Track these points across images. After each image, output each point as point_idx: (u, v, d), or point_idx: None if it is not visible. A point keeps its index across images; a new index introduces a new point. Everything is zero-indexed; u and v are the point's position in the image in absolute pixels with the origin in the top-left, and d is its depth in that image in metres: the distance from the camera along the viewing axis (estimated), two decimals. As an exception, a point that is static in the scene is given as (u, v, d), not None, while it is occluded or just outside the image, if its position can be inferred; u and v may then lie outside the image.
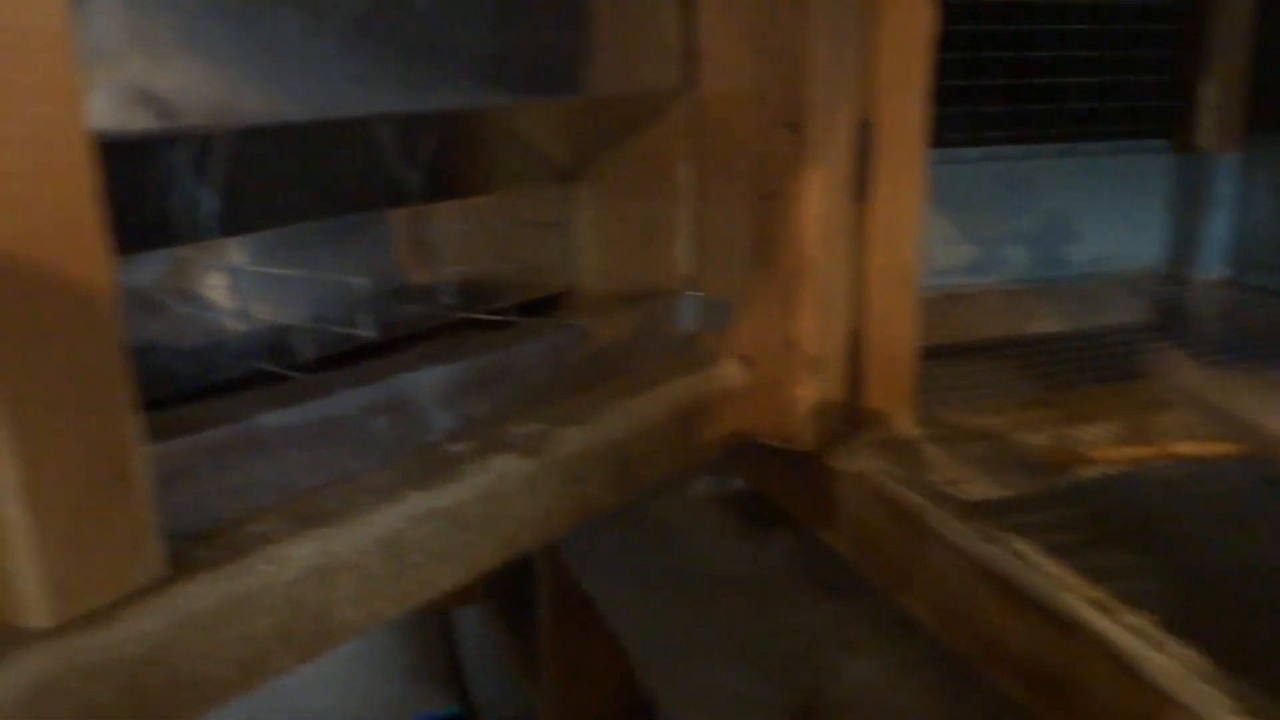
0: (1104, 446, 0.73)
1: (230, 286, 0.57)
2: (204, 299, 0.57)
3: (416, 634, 1.67)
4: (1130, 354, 0.95)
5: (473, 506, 0.52)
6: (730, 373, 0.70)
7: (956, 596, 0.58)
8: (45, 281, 0.36)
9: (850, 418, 0.71)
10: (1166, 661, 0.46)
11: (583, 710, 1.19)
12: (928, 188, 0.69)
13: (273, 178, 0.59)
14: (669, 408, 0.65)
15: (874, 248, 0.68)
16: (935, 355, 0.88)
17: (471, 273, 0.69)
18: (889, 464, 0.66)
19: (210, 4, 0.43)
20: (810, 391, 0.69)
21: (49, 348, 0.36)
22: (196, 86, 0.43)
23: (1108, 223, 1.11)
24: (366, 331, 0.58)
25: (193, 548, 0.43)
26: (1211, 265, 1.13)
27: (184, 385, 0.53)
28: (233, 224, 0.56)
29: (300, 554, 0.44)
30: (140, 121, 0.41)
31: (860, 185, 0.67)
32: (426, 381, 0.54)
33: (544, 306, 0.74)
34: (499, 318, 0.65)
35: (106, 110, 0.39)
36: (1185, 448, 0.72)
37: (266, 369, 0.54)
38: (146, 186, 0.53)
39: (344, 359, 0.58)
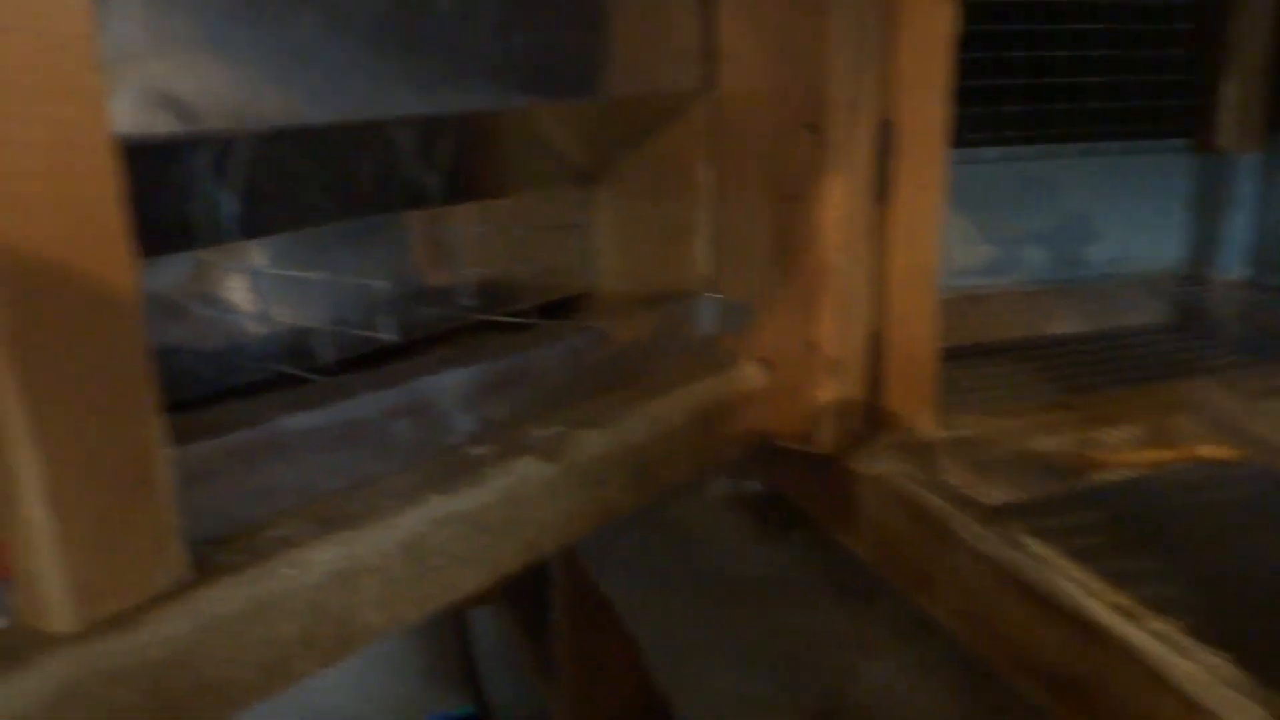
0: (1125, 450, 0.72)
1: (250, 289, 0.57)
2: (225, 301, 0.57)
3: (431, 634, 1.67)
4: (1150, 355, 0.95)
5: (494, 510, 0.52)
6: (750, 375, 0.69)
7: (978, 601, 0.58)
8: (70, 285, 0.36)
9: (870, 420, 0.71)
10: (1193, 668, 0.45)
11: (597, 711, 1.18)
12: (948, 188, 0.68)
13: (292, 180, 0.59)
14: (689, 410, 0.65)
15: (894, 249, 0.68)
16: (954, 357, 0.87)
17: (490, 275, 0.69)
18: (909, 467, 0.66)
19: (231, 7, 0.43)
20: (830, 394, 0.68)
21: (73, 351, 0.36)
22: (218, 89, 0.43)
23: (1127, 223, 1.10)
24: (387, 334, 0.58)
25: (215, 551, 0.43)
26: (1232, 265, 1.12)
27: (205, 387, 0.53)
28: (253, 226, 0.56)
29: (322, 557, 0.44)
30: (162, 125, 0.41)
31: (881, 186, 0.66)
32: (447, 384, 0.54)
33: (562, 308, 0.73)
34: (518, 320, 0.65)
35: (129, 113, 0.39)
36: (1207, 451, 0.71)
37: (287, 371, 0.54)
38: (167, 189, 0.53)
39: (364, 361, 0.58)
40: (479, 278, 0.67)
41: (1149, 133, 1.09)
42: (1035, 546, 0.55)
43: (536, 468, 0.54)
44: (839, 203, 0.65)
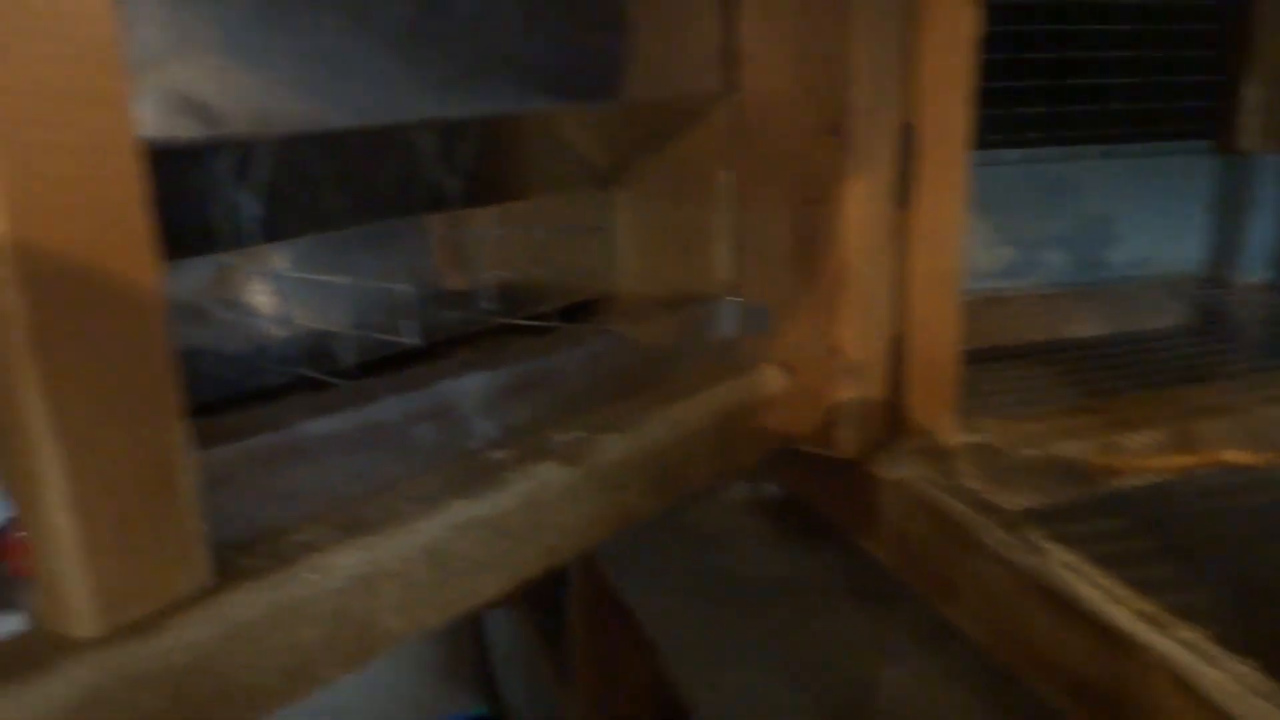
0: (1149, 455, 0.72)
1: (272, 292, 0.57)
2: (246, 305, 0.57)
3: (446, 635, 1.67)
4: (1172, 359, 0.94)
5: (515, 515, 0.51)
6: (771, 379, 0.69)
7: (1002, 608, 0.57)
8: (95, 289, 0.35)
9: (892, 424, 0.70)
10: (1221, 677, 0.45)
11: (612, 714, 1.18)
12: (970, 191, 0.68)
13: (314, 183, 0.59)
14: (709, 414, 0.64)
15: (916, 252, 0.67)
16: (975, 360, 0.87)
17: (510, 278, 0.68)
18: (931, 471, 0.66)
19: (255, 12, 0.42)
20: (851, 398, 0.68)
21: (98, 355, 0.36)
22: (242, 94, 0.43)
23: (1148, 225, 1.10)
24: (410, 338, 0.58)
25: (237, 556, 0.43)
26: (1254, 268, 1.11)
27: (227, 391, 0.53)
28: (274, 230, 0.56)
29: (345, 562, 0.44)
30: (187, 129, 0.41)
31: (903, 189, 0.66)
32: (469, 388, 0.54)
33: (583, 311, 0.73)
34: (539, 323, 0.65)
35: (154, 118, 0.39)
36: (1232, 456, 0.70)
37: (309, 375, 0.54)
38: (190, 193, 0.53)
39: (385, 364, 0.58)
40: (499, 281, 0.66)
41: (1170, 134, 1.09)
42: (1059, 553, 0.55)
43: (557, 472, 0.54)
44: (861, 206, 0.64)
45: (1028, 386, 0.88)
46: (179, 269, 0.53)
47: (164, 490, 0.39)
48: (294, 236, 0.58)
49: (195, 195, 0.53)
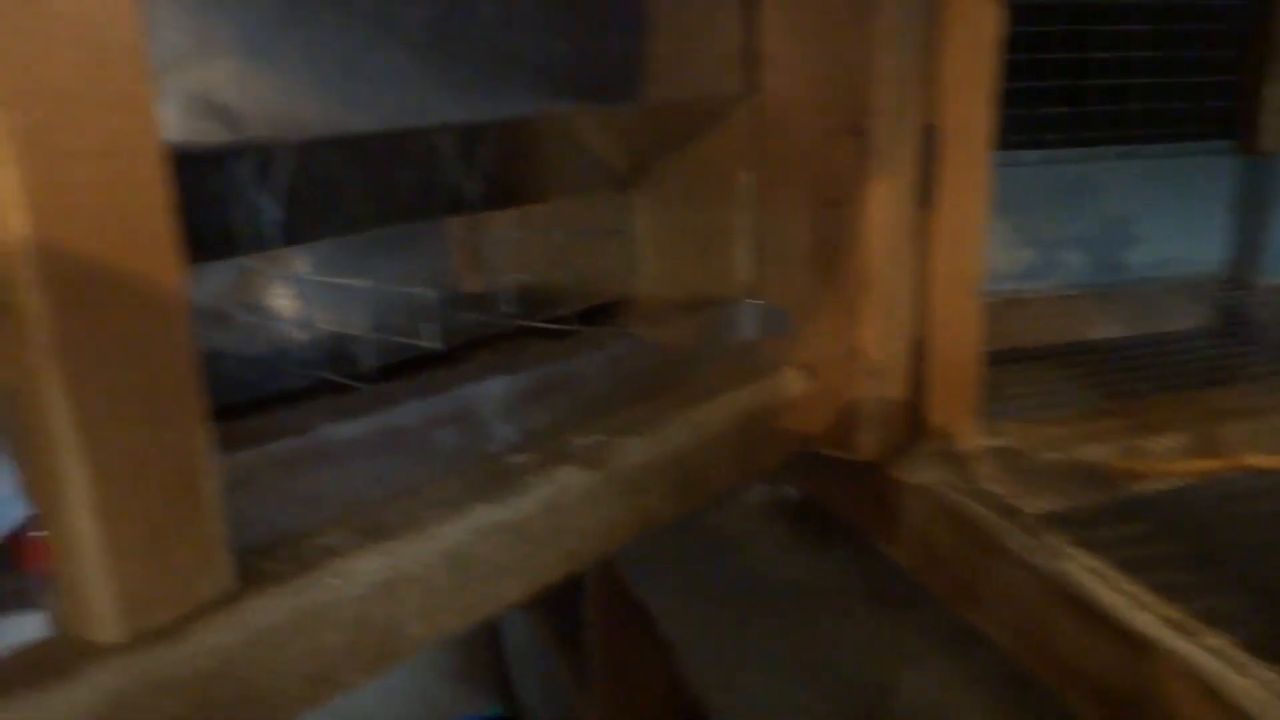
0: (1172, 458, 0.71)
1: (293, 296, 0.57)
2: (268, 308, 0.57)
3: (463, 636, 1.67)
4: (1193, 361, 0.93)
5: (536, 519, 0.51)
6: (791, 381, 0.69)
7: (1026, 613, 0.57)
8: (119, 293, 0.35)
9: (913, 427, 0.70)
10: (1250, 684, 0.44)
11: (630, 716, 1.18)
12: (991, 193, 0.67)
13: (334, 187, 0.59)
14: (730, 417, 0.64)
15: (938, 254, 0.67)
16: (994, 362, 0.86)
17: (530, 280, 0.68)
18: (953, 475, 0.65)
19: (277, 17, 0.42)
20: (872, 400, 0.68)
21: (122, 359, 0.36)
22: (264, 98, 0.43)
23: (1169, 226, 1.09)
24: (430, 342, 0.57)
25: (260, 561, 0.43)
26: (1276, 269, 1.10)
27: (249, 394, 0.53)
28: (295, 233, 0.56)
29: (367, 568, 0.44)
30: (210, 133, 0.41)
31: (924, 191, 0.65)
32: (490, 392, 0.54)
33: (602, 314, 0.73)
34: (559, 326, 0.65)
35: (177, 122, 0.39)
36: (1256, 460, 0.70)
37: (330, 378, 0.54)
38: (212, 196, 0.53)
39: (405, 368, 0.58)
40: (519, 283, 0.66)
41: (1191, 135, 1.08)
42: (1083, 558, 0.54)
43: (578, 476, 0.54)
44: (882, 208, 0.64)
45: (1048, 389, 0.87)
46: (201, 272, 0.53)
47: (187, 494, 0.39)
48: (315, 240, 0.58)
49: (217, 199, 0.53)
